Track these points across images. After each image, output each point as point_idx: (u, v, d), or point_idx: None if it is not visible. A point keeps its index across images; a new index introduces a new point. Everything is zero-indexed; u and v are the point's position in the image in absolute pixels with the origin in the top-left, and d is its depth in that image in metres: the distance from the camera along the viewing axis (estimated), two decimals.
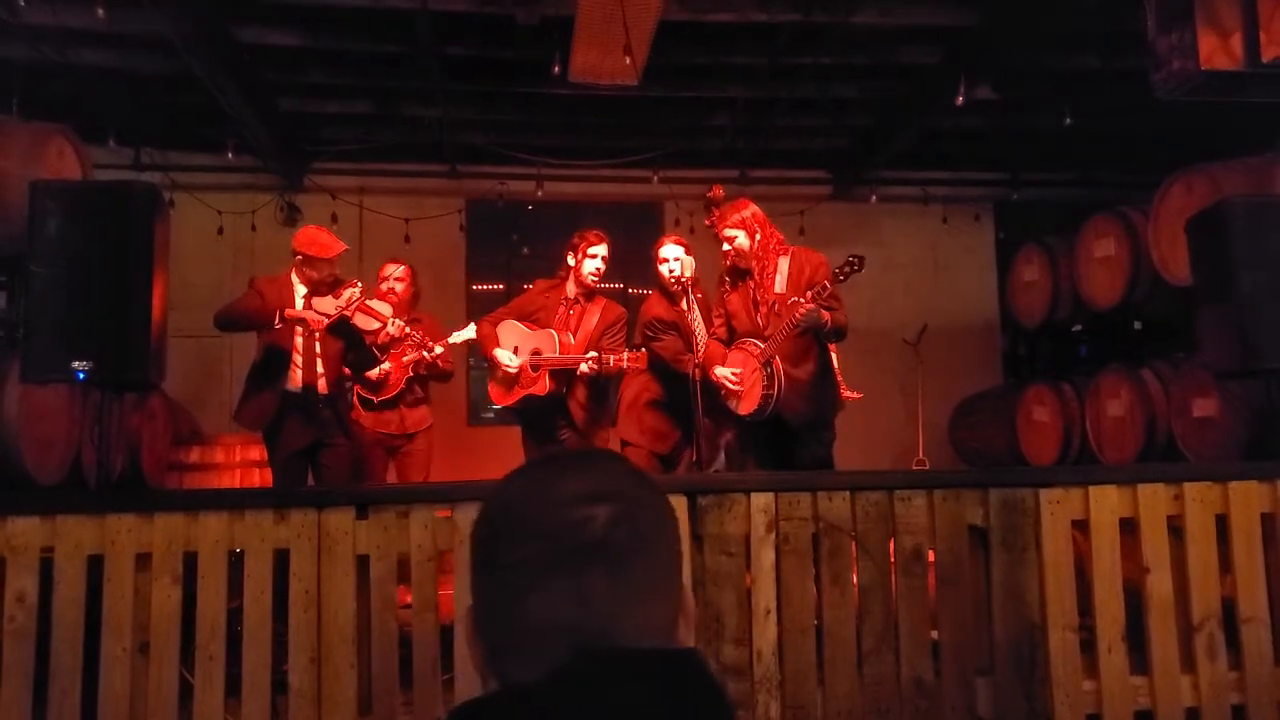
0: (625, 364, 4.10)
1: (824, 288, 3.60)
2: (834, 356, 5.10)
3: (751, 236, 3.87)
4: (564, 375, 4.30)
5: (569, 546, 0.75)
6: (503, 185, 7.34)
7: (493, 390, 4.58)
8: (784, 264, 3.83)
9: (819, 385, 3.89)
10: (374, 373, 4.70)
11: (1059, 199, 7.93)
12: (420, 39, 5.30)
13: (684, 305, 4.31)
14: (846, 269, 3.56)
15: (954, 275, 8.05)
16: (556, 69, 5.09)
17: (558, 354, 4.25)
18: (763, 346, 3.79)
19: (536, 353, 4.32)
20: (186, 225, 6.57)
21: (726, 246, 3.94)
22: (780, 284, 3.84)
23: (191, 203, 6.94)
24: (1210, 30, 3.55)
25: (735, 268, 4.00)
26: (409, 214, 7.17)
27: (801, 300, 3.62)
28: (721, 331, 4.11)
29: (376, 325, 4.37)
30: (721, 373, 3.94)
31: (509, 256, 7.80)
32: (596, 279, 4.39)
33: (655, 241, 4.59)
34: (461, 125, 6.74)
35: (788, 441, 3.92)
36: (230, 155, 6.57)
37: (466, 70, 6.02)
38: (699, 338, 4.21)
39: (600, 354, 4.15)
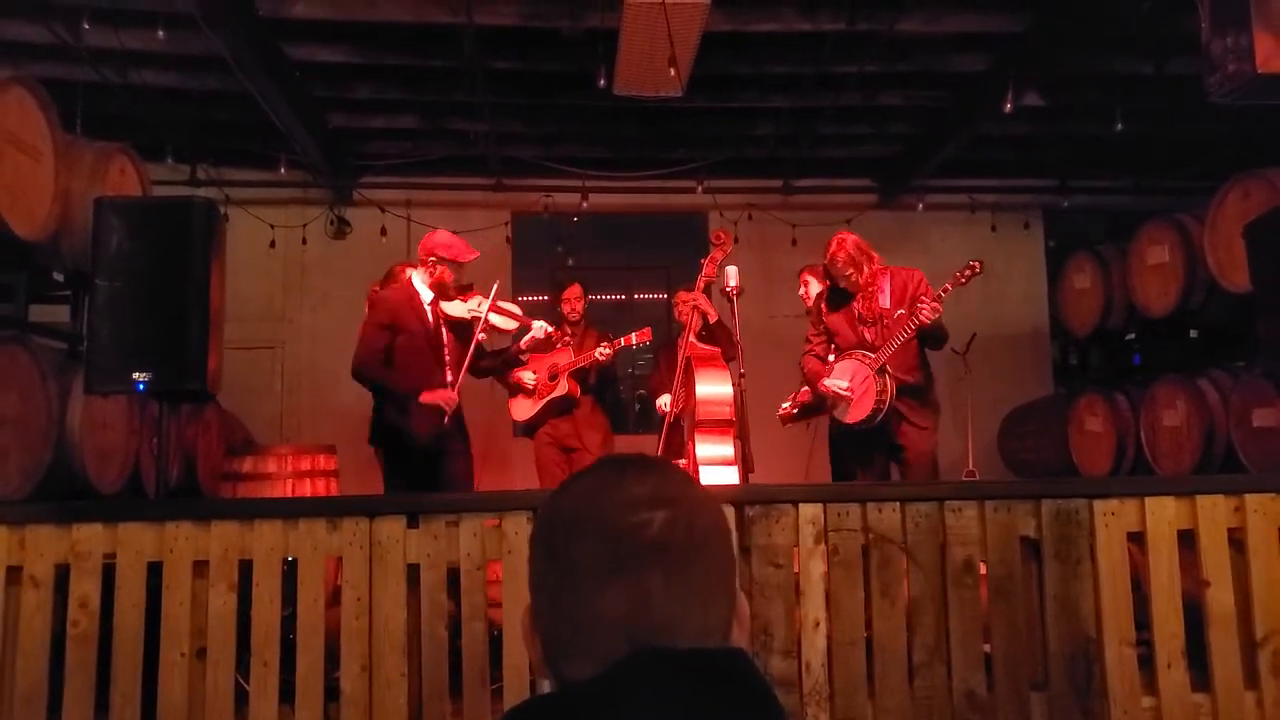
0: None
1: (946, 289, 4.06)
2: None
3: (860, 270, 4.27)
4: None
5: (629, 548, 0.77)
6: (548, 198, 7.40)
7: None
8: (885, 282, 4.27)
9: (927, 389, 4.31)
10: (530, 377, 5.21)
11: (1110, 206, 7.78)
12: (466, 53, 5.38)
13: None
14: (968, 273, 4.05)
15: (1003, 284, 7.92)
16: (601, 81, 5.12)
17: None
18: (874, 356, 4.16)
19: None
20: (239, 238, 6.70)
21: (844, 284, 4.34)
22: (885, 300, 4.26)
23: (244, 217, 7.09)
24: (1267, 32, 3.46)
25: (835, 290, 4.41)
26: (455, 226, 7.17)
27: (926, 301, 4.01)
28: (820, 349, 4.48)
29: (513, 325, 4.66)
30: (831, 384, 4.24)
31: (553, 268, 7.85)
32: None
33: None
34: (507, 138, 6.81)
35: (889, 445, 4.25)
36: (282, 170, 6.71)
37: (512, 83, 6.09)
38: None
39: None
